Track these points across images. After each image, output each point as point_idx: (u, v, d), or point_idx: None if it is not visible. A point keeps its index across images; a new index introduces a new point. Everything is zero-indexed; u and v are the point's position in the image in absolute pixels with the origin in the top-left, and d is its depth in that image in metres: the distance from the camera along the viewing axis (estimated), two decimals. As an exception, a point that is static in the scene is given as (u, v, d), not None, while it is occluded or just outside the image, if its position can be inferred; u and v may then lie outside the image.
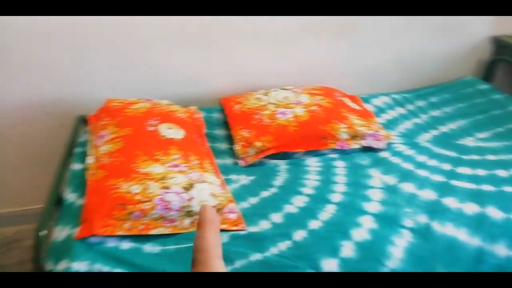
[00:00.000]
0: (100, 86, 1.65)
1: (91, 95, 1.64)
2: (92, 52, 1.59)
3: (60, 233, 1.08)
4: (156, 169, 1.18)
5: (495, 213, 1.20)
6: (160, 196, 1.10)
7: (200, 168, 1.25)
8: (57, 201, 1.19)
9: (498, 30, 2.09)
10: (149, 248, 1.05)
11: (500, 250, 1.13)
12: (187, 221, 1.12)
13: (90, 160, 1.28)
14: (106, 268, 0.97)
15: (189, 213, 1.11)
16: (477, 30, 2.08)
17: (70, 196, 1.20)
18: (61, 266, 0.98)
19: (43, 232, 1.04)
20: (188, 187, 1.14)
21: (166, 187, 1.12)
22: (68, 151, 1.39)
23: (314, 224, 1.15)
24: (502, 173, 1.37)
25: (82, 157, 1.34)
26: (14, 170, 1.74)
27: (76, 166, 1.32)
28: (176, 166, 1.21)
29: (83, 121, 1.56)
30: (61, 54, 1.56)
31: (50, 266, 1.00)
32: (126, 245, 1.05)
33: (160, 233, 1.08)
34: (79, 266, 0.96)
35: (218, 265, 0.34)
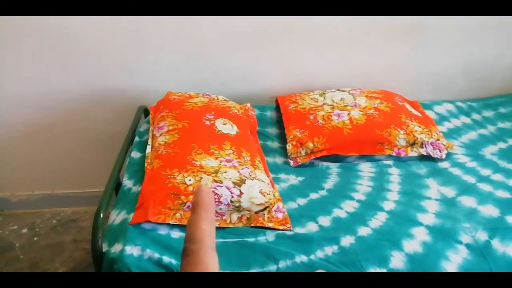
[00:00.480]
0: (162, 79, 1.73)
1: (153, 87, 1.72)
2: (156, 47, 1.67)
3: (116, 217, 1.14)
4: (210, 162, 1.21)
5: None
6: (212, 189, 1.13)
7: (251, 165, 1.27)
8: (116, 187, 1.27)
9: None
10: (198, 238, 1.09)
11: None
12: (235, 216, 1.14)
13: (148, 149, 1.34)
14: (156, 255, 1.02)
15: (238, 208, 1.13)
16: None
17: (127, 182, 1.27)
18: (115, 249, 1.04)
19: (101, 214, 1.10)
20: (239, 183, 1.16)
21: (218, 181, 1.15)
22: (129, 139, 1.46)
23: (363, 231, 1.13)
24: None
25: (141, 146, 1.41)
26: (75, 155, 1.87)
27: (135, 154, 1.39)
28: (229, 161, 1.24)
29: (145, 111, 1.65)
30: (127, 48, 1.66)
31: (105, 248, 1.06)
32: (176, 234, 1.09)
33: (209, 225, 1.11)
34: (132, 250, 1.02)
35: (210, 258, 0.32)
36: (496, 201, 1.23)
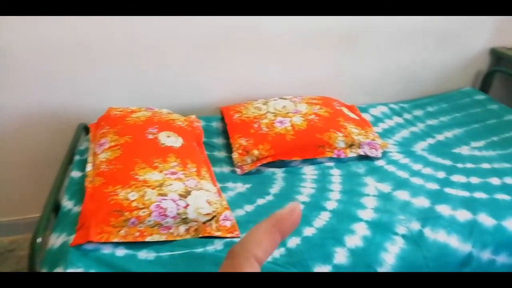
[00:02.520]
0: (102, 95, 1.69)
1: (93, 104, 1.68)
2: (96, 62, 1.63)
3: (56, 240, 1.10)
4: (154, 176, 1.20)
5: (486, 220, 1.21)
6: (156, 203, 1.12)
7: (197, 176, 1.27)
8: (55, 209, 1.22)
9: (496, 42, 2.12)
10: (144, 255, 1.07)
11: (486, 255, 1.14)
12: (182, 228, 1.14)
13: (89, 167, 1.31)
14: (102, 273, 0.99)
15: (185, 220, 1.13)
16: (476, 42, 2.11)
17: (67, 203, 1.22)
18: (57, 272, 1.00)
19: (39, 240, 1.05)
20: (184, 194, 1.16)
21: (163, 194, 1.14)
22: (68, 158, 1.42)
23: (308, 231, 1.17)
24: (495, 181, 1.38)
25: (82, 164, 1.37)
26: (12, 179, 1.76)
27: (75, 174, 1.35)
28: (173, 173, 1.24)
29: (85, 129, 1.60)
30: (62, 63, 1.59)
31: (46, 273, 1.02)
32: (120, 252, 1.07)
33: (155, 240, 1.10)
34: (75, 271, 0.98)
35: (249, 266, 0.29)
36: (427, 193, 1.33)
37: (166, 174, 1.22)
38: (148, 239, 1.10)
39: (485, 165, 1.49)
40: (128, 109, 1.54)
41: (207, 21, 1.66)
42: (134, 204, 1.11)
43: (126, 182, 1.17)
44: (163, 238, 1.12)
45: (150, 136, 1.37)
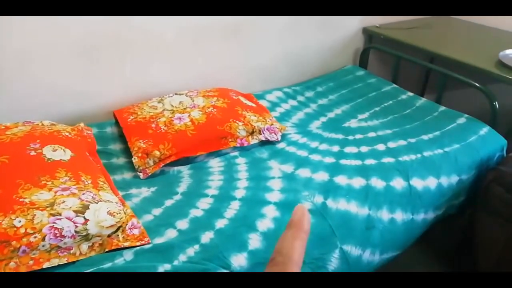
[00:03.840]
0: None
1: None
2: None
3: None
4: (42, 196, 1.08)
5: (377, 183, 1.34)
6: (49, 225, 1.01)
7: (94, 188, 1.18)
8: None
9: (366, 22, 2.34)
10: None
11: (384, 215, 1.27)
12: (85, 246, 1.05)
13: (-40, 199, 1.12)
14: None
15: (86, 237, 1.04)
16: (351, 24, 2.31)
17: None
18: None
19: None
20: (82, 210, 1.06)
21: (56, 214, 1.03)
22: None
23: (220, 223, 1.17)
24: (381, 147, 1.54)
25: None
26: None
27: None
28: (65, 189, 1.12)
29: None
30: None
31: None
32: None
33: (54, 264, 1.00)
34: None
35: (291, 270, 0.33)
36: (325, 167, 1.43)
37: (56, 192, 1.10)
38: (46, 265, 0.99)
39: (371, 134, 1.65)
40: (1, 126, 1.35)
41: (86, 23, 1.53)
42: (21, 230, 0.98)
43: (9, 208, 1.03)
44: (63, 261, 1.01)
45: (33, 153, 1.22)
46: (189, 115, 1.54)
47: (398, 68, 2.18)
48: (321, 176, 1.37)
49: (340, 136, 1.64)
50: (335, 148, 1.55)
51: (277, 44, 2.08)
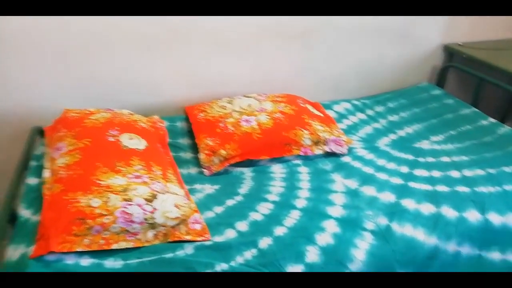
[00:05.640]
0: (57, 95, 1.59)
1: (48, 105, 1.58)
2: (47, 59, 1.52)
3: (14, 252, 1.02)
4: (117, 181, 1.15)
5: (449, 212, 1.26)
6: (121, 209, 1.07)
7: (163, 179, 1.23)
8: (11, 219, 1.13)
9: (448, 39, 2.21)
10: (110, 263, 1.02)
11: (451, 247, 1.19)
12: (150, 234, 1.10)
13: (46, 173, 1.22)
14: (64, 287, 0.93)
15: (152, 225, 1.09)
16: (430, 39, 2.19)
17: (24, 212, 1.14)
18: None
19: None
20: (150, 199, 1.12)
21: (128, 199, 1.09)
22: (23, 165, 1.32)
23: (279, 231, 1.16)
24: (455, 174, 1.44)
25: (38, 171, 1.28)
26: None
27: (32, 181, 1.26)
28: (138, 177, 1.18)
29: (39, 132, 1.50)
30: (13, 63, 1.48)
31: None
32: (85, 261, 1.01)
33: (122, 247, 1.05)
34: (35, 286, 0.92)
35: None
36: (392, 188, 1.37)
37: (130, 178, 1.17)
38: (114, 246, 1.05)
39: (445, 159, 1.55)
40: (85, 111, 1.46)
41: (167, 20, 1.61)
42: (97, 211, 1.05)
43: (87, 188, 1.11)
44: (130, 245, 1.07)
45: (111, 139, 1.31)
46: (256, 118, 1.56)
47: (479, 91, 2.04)
48: (387, 197, 1.32)
49: (410, 157, 1.57)
50: (404, 169, 1.48)
51: (350, 54, 2.04)
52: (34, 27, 1.45)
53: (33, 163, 1.34)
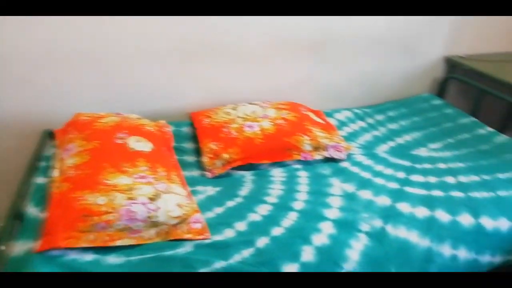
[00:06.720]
0: (68, 100, 1.66)
1: (58, 110, 1.65)
2: (59, 66, 1.59)
3: (21, 248, 1.07)
4: (122, 180, 1.20)
5: (443, 216, 1.29)
6: (125, 207, 1.12)
7: (167, 180, 1.28)
8: (19, 216, 1.18)
9: (450, 51, 2.26)
10: (113, 259, 1.07)
11: (446, 250, 1.22)
12: (152, 232, 1.15)
13: (55, 173, 1.29)
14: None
15: (155, 224, 1.14)
16: (432, 51, 2.24)
17: (32, 210, 1.20)
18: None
19: (2, 248, 1.02)
20: (154, 198, 1.17)
21: (132, 198, 1.14)
22: (32, 165, 1.38)
23: (276, 231, 1.20)
24: (450, 179, 1.48)
25: (47, 171, 1.34)
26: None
27: (40, 180, 1.32)
28: (143, 177, 1.24)
29: (50, 135, 1.57)
30: (26, 67, 1.55)
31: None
32: (88, 257, 1.06)
33: (124, 244, 1.10)
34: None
35: None
36: (388, 192, 1.40)
37: (135, 178, 1.22)
38: (117, 243, 1.10)
39: (441, 165, 1.59)
40: (96, 115, 1.53)
41: (176, 27, 1.68)
42: (102, 208, 1.11)
43: (94, 187, 1.17)
44: (132, 242, 1.12)
45: (119, 141, 1.37)
46: (259, 124, 1.61)
47: (479, 102, 2.07)
48: (383, 200, 1.36)
49: (407, 163, 1.61)
50: (401, 174, 1.52)
51: (353, 64, 2.09)
52: (47, 33, 1.52)
53: (42, 164, 1.41)
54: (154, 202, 1.16)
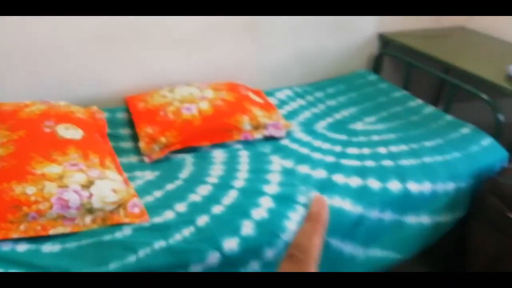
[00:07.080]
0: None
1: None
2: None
3: None
4: (52, 169, 1.16)
5: (374, 184, 1.37)
6: (57, 195, 1.08)
7: (100, 166, 1.25)
8: None
9: (383, 28, 2.36)
10: (48, 248, 1.04)
11: (374, 214, 1.30)
12: (88, 219, 1.12)
13: (-22, 167, 1.21)
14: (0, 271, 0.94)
15: (90, 210, 1.11)
16: (366, 28, 2.33)
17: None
18: None
19: None
20: (87, 185, 1.14)
21: (63, 186, 1.10)
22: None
23: (217, 209, 1.22)
24: (382, 150, 1.57)
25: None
26: None
27: (-37, 175, 1.23)
28: (74, 165, 1.20)
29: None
30: None
31: None
32: (22, 247, 1.03)
33: (59, 232, 1.07)
34: (-33, 275, 0.92)
35: (313, 271, 0.33)
36: (325, 165, 1.46)
37: (66, 167, 1.18)
38: (51, 232, 1.06)
39: (375, 137, 1.67)
40: (20, 104, 1.44)
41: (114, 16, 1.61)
42: (32, 198, 1.06)
43: (21, 177, 1.11)
44: (67, 230, 1.09)
45: (47, 130, 1.30)
46: (197, 106, 1.60)
47: (410, 76, 2.19)
48: (320, 174, 1.41)
49: (344, 137, 1.68)
50: (337, 148, 1.58)
51: (290, 43, 2.12)
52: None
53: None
54: (88, 189, 1.13)
